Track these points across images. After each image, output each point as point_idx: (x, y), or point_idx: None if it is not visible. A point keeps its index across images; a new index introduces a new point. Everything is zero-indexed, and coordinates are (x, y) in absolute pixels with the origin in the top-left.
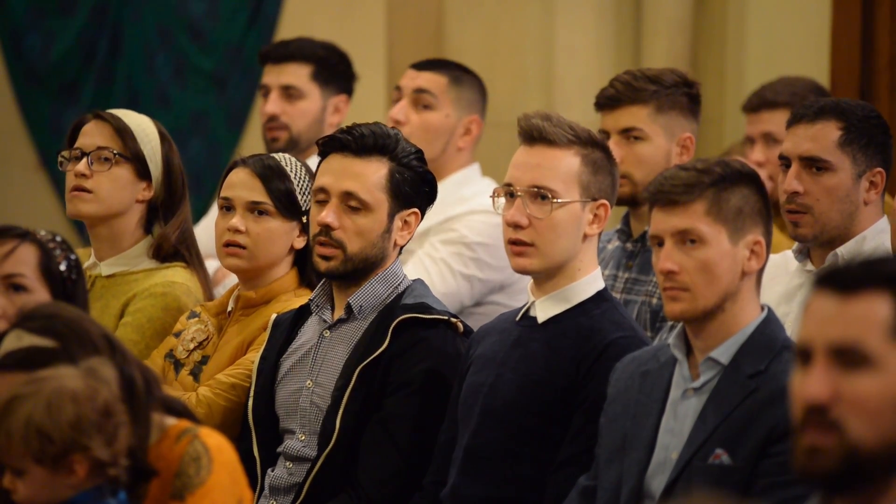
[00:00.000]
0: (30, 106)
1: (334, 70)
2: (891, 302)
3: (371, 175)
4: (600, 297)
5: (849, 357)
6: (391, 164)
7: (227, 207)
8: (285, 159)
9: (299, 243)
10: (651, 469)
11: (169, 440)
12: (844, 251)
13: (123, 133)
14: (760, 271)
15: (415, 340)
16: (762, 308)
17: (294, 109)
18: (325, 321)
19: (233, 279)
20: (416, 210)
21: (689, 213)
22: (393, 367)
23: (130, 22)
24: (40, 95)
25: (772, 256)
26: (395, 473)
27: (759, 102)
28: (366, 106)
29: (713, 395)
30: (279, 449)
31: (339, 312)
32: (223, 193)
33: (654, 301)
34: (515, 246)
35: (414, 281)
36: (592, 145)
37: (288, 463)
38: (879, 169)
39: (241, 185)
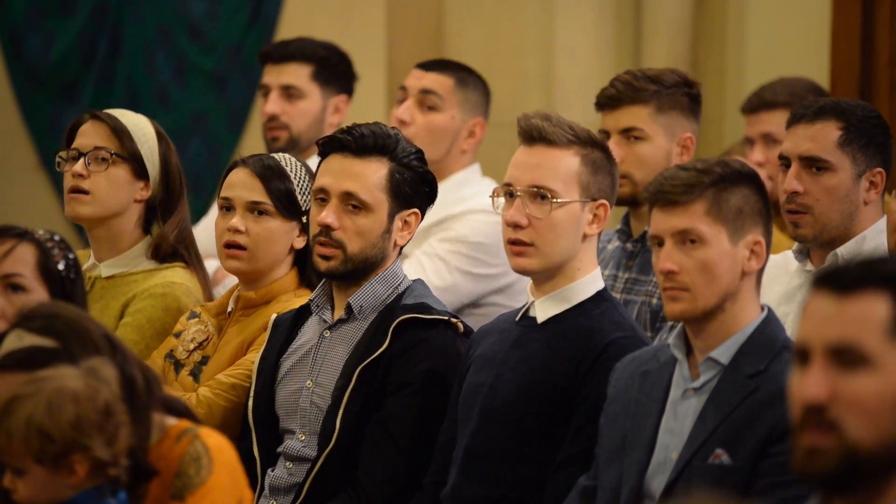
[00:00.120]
0: (30, 106)
1: (335, 70)
2: (888, 302)
3: (371, 175)
4: (600, 297)
5: (847, 357)
6: (391, 165)
7: (227, 207)
8: (285, 159)
9: (299, 243)
10: (651, 469)
11: (169, 440)
12: (844, 251)
13: (120, 133)
14: (760, 271)
15: (415, 341)
16: (762, 308)
17: (294, 109)
18: (325, 321)
19: (233, 279)
20: (416, 210)
21: (689, 213)
22: (393, 368)
23: (130, 22)
24: (40, 95)
25: (772, 256)
26: (396, 473)
27: (757, 103)
28: (366, 106)
29: (713, 395)
30: (279, 449)
31: (340, 312)
32: (223, 193)
33: (654, 301)
34: (515, 246)
35: (414, 281)
36: (592, 145)
37: (288, 463)
38: (879, 169)
39: (241, 185)
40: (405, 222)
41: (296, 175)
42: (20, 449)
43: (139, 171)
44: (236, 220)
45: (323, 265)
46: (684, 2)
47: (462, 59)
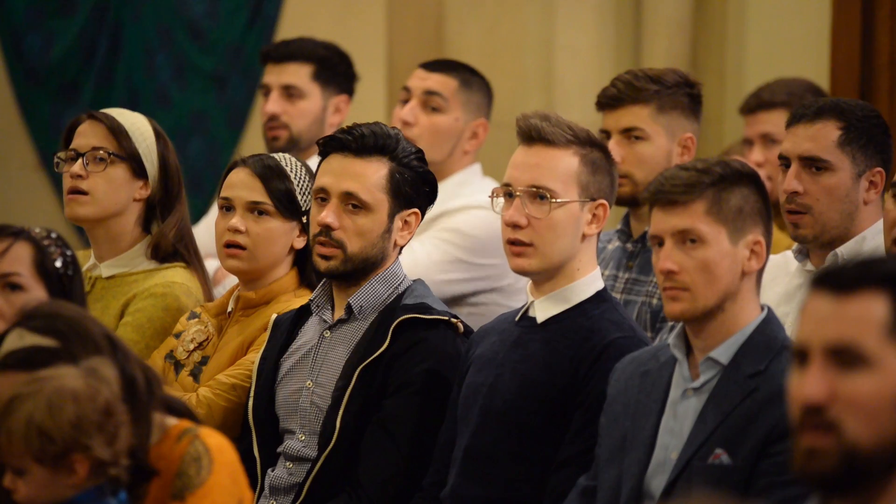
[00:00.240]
0: (30, 106)
1: (335, 70)
2: (887, 301)
3: (371, 175)
4: (599, 297)
5: (845, 357)
6: (391, 165)
7: (227, 207)
8: (285, 159)
9: (299, 243)
10: (651, 469)
11: (170, 440)
12: (844, 251)
13: (118, 132)
14: (760, 271)
15: (415, 341)
16: (762, 308)
17: (295, 109)
18: (325, 321)
19: (233, 279)
20: (416, 210)
21: (689, 212)
22: (393, 368)
23: (130, 22)
24: (40, 95)
25: (772, 256)
26: (396, 474)
27: (756, 104)
28: (366, 106)
29: (713, 395)
30: (279, 449)
31: (340, 313)
32: (223, 193)
33: (655, 301)
34: (514, 246)
35: (414, 281)
36: (591, 145)
37: (288, 463)
38: (879, 169)
39: (241, 185)
40: (405, 222)
41: (296, 175)
42: (20, 449)
43: (138, 170)
44: (236, 220)
45: (323, 265)
46: (684, 2)
47: (462, 60)
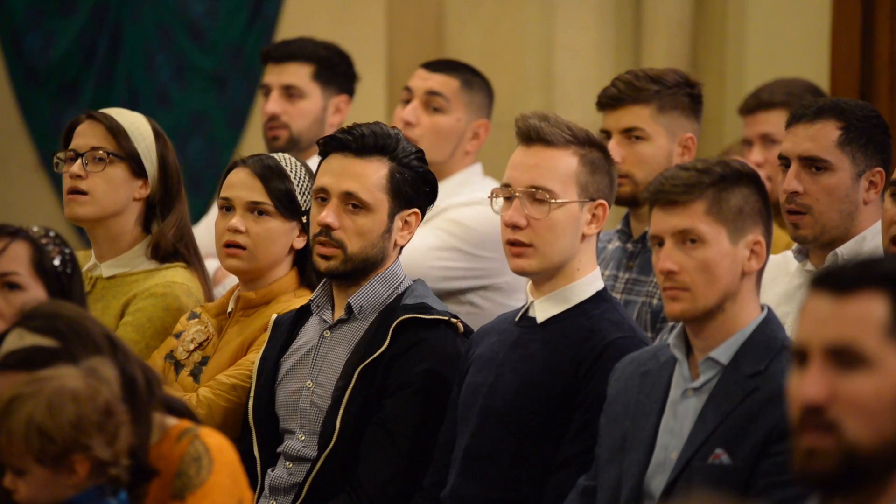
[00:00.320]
0: (30, 106)
1: (336, 70)
2: (886, 302)
3: (371, 175)
4: (599, 297)
5: (845, 357)
6: (391, 165)
7: (227, 208)
8: (285, 159)
9: (299, 243)
10: (651, 469)
11: (170, 440)
12: (845, 251)
13: (116, 132)
14: (760, 271)
15: (415, 341)
16: (762, 308)
17: (295, 109)
18: (325, 321)
19: (233, 279)
20: (416, 210)
21: (689, 212)
22: (393, 368)
23: (130, 22)
24: (40, 95)
25: (772, 257)
26: (396, 474)
27: (755, 104)
28: (366, 106)
29: (713, 395)
30: (279, 449)
31: (340, 313)
32: (223, 194)
33: (655, 302)
34: (514, 247)
35: (414, 281)
36: (590, 145)
37: (288, 463)
38: (879, 168)
39: (241, 185)
40: (405, 222)
41: (295, 175)
42: (21, 449)
43: (137, 169)
44: (236, 221)
45: (323, 265)
46: (684, 2)
47: (462, 60)
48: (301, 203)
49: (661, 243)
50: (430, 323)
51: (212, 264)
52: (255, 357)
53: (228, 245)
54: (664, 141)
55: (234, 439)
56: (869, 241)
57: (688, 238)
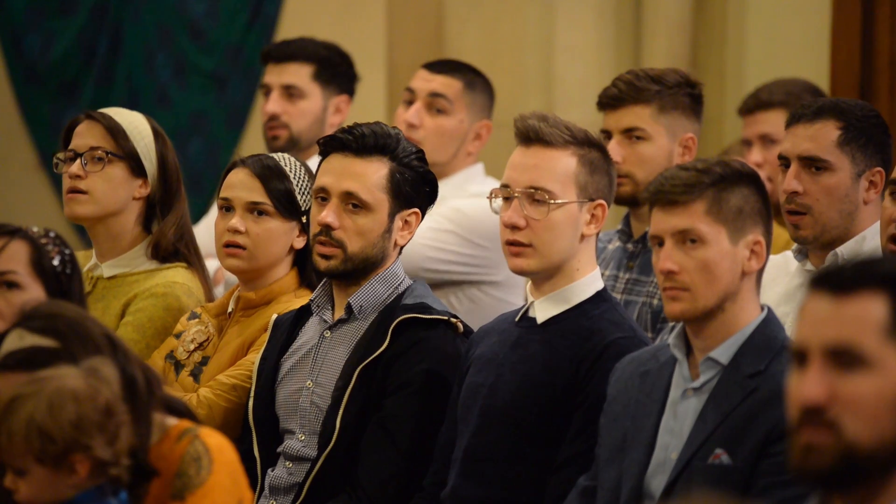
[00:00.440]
0: (30, 106)
1: (336, 70)
2: (885, 302)
3: (372, 175)
4: (599, 297)
5: (844, 358)
6: (392, 164)
7: (227, 208)
8: (284, 159)
9: (299, 243)
10: (651, 469)
11: (170, 440)
12: (845, 251)
13: (115, 132)
14: (760, 271)
15: (414, 340)
16: (762, 308)
17: (295, 109)
18: (325, 321)
19: (233, 279)
20: (416, 210)
21: (689, 212)
22: (393, 368)
23: (130, 22)
24: (40, 95)
25: (772, 257)
26: (395, 473)
27: (754, 104)
28: (366, 106)
29: (713, 395)
30: (279, 449)
31: (340, 312)
32: (222, 194)
33: (655, 302)
34: (513, 247)
35: (414, 281)
36: (589, 145)
37: (288, 463)
38: (879, 168)
39: (241, 185)
40: (405, 222)
41: (295, 175)
42: (21, 449)
43: (136, 168)
44: (236, 221)
45: (323, 265)
46: (684, 2)
47: (462, 60)
48: (301, 203)
49: (661, 243)
50: (429, 323)
51: (212, 264)
52: (255, 357)
53: (228, 245)
54: (665, 141)
55: (235, 439)
56: (869, 240)
57: (688, 238)
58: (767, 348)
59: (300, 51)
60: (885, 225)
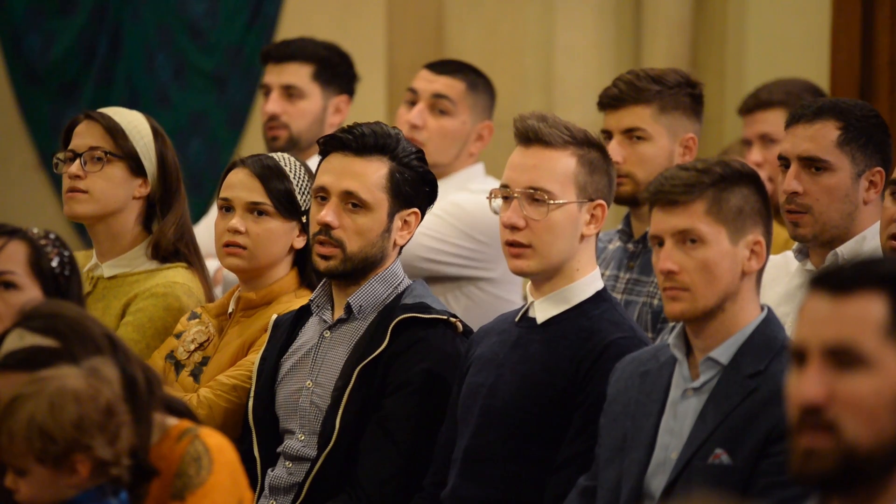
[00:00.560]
0: (30, 106)
1: (336, 70)
2: (885, 302)
3: (371, 174)
4: (599, 297)
5: (843, 358)
6: (391, 164)
7: (227, 208)
8: (284, 159)
9: (299, 243)
10: (651, 469)
11: (170, 440)
12: (845, 250)
13: (114, 132)
14: (760, 271)
15: (414, 340)
16: (762, 308)
17: (294, 109)
18: (325, 321)
19: (233, 279)
20: (416, 210)
21: (689, 212)
22: (392, 367)
23: (130, 22)
24: (40, 95)
25: (772, 257)
26: (395, 473)
27: (753, 104)
28: (366, 106)
29: (713, 395)
30: (279, 449)
31: (339, 312)
32: (222, 194)
33: (656, 302)
34: (513, 248)
35: (414, 281)
36: (588, 145)
37: (288, 463)
38: (879, 168)
39: (241, 185)
40: (405, 222)
41: (295, 175)
42: (22, 449)
43: (136, 168)
44: (236, 221)
45: (322, 264)
46: (684, 2)
47: (463, 60)
48: (301, 203)
49: (661, 243)
50: (429, 322)
51: (212, 264)
52: (255, 357)
53: (228, 245)
54: (665, 141)
55: (235, 440)
56: (869, 240)
57: (688, 238)
58: (767, 348)
59: (300, 51)
60: (886, 225)
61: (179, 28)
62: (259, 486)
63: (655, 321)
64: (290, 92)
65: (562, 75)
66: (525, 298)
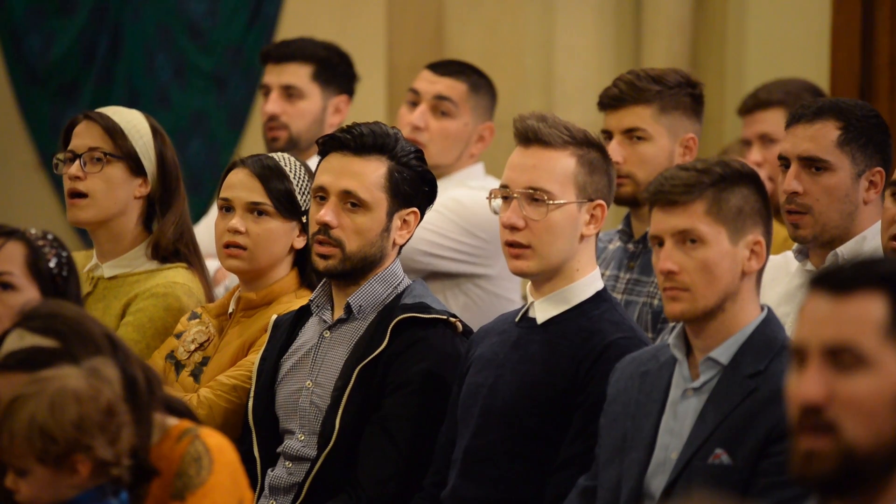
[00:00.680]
0: (30, 106)
1: (335, 70)
2: (884, 302)
3: (370, 174)
4: (599, 297)
5: (843, 358)
6: (390, 164)
7: (227, 208)
8: (284, 159)
9: (299, 243)
10: (651, 469)
11: (170, 440)
12: (845, 251)
13: (113, 132)
14: (760, 271)
15: (414, 340)
16: (762, 308)
17: (294, 109)
18: (325, 321)
19: (234, 279)
20: (415, 209)
21: (689, 212)
22: (392, 367)
23: (130, 22)
24: (40, 95)
25: (772, 257)
26: (394, 473)
27: (753, 104)
28: (366, 106)
29: (713, 395)
30: (279, 449)
31: (339, 312)
32: (222, 194)
33: (656, 302)
34: (513, 248)
35: (413, 281)
36: (588, 146)
37: (287, 463)
38: (879, 168)
39: (241, 185)
40: (404, 221)
41: (295, 175)
42: (23, 449)
43: (135, 168)
44: (236, 221)
45: (321, 264)
46: (684, 2)
47: (463, 60)
48: (301, 203)
49: (661, 243)
50: (428, 322)
51: (212, 264)
52: (255, 358)
53: (228, 245)
54: (666, 141)
55: (235, 440)
56: (869, 240)
57: (688, 238)
58: (767, 348)
59: (299, 51)
60: (887, 226)
61: (179, 28)
62: (259, 486)
63: (655, 321)
64: (289, 92)
65: (562, 75)
66: (525, 298)
